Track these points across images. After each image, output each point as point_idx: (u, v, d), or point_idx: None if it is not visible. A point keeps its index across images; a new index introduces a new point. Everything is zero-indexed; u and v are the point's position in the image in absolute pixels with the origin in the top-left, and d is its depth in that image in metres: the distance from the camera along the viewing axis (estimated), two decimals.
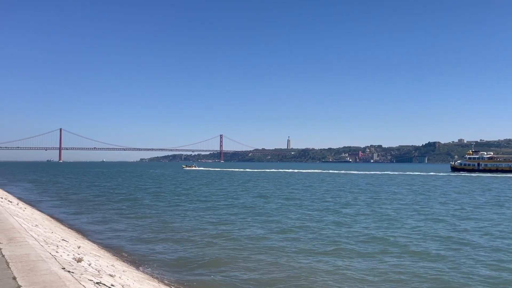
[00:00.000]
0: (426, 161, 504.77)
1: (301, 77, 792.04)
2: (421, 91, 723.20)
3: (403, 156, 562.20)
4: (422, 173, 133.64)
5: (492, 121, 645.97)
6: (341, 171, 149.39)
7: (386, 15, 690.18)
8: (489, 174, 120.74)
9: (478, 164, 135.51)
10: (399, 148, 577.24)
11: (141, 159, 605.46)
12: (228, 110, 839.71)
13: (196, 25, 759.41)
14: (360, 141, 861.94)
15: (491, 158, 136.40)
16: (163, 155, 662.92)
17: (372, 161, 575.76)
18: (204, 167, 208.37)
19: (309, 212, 33.07)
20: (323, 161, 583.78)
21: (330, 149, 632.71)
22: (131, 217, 30.48)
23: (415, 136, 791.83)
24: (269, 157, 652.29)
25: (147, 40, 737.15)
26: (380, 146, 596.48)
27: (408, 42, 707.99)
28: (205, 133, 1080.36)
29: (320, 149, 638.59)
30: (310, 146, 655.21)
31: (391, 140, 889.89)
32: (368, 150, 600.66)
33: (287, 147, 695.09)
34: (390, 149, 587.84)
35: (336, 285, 14.54)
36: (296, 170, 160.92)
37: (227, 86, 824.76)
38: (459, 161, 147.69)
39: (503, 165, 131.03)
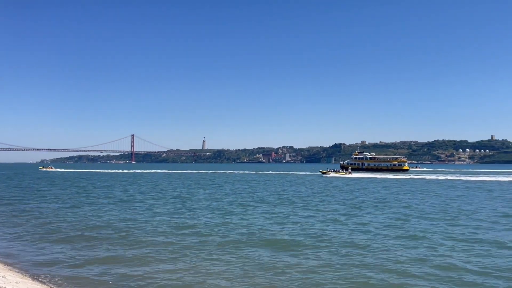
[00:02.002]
0: (333, 161, 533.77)
1: (217, 78, 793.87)
2: (328, 96, 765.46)
3: (313, 156, 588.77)
4: (297, 173, 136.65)
5: (390, 125, 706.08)
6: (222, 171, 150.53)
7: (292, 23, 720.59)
8: (368, 175, 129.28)
9: (362, 164, 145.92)
10: (309, 149, 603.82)
11: (42, 160, 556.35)
12: (140, 109, 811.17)
13: (106, 25, 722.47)
14: (273, 142, 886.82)
15: (373, 158, 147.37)
16: (68, 156, 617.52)
17: (284, 161, 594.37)
18: (66, 169, 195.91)
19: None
20: (238, 162, 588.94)
21: (245, 150, 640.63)
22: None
23: (324, 138, 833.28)
24: (184, 158, 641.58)
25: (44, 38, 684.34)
26: (291, 147, 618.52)
27: (312, 45, 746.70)
28: (115, 133, 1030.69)
29: (235, 150, 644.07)
30: (225, 147, 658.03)
31: (302, 141, 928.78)
32: (281, 151, 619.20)
33: (203, 147, 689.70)
34: (301, 150, 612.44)
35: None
36: (167, 171, 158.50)
37: (139, 84, 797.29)
38: (346, 161, 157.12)
39: (382, 164, 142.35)
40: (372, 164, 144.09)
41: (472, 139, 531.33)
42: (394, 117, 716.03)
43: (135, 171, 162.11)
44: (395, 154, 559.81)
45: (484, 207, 36.44)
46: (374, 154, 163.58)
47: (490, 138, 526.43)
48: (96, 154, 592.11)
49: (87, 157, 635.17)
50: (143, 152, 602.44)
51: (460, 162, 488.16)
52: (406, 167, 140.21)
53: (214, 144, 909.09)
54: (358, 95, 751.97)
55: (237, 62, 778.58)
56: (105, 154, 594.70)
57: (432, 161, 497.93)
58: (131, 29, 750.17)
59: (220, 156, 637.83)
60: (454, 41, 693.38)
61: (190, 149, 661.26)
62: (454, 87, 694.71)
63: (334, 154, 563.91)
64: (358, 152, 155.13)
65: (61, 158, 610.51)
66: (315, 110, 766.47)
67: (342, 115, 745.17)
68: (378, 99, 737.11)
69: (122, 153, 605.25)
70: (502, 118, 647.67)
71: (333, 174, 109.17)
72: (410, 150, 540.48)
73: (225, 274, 15.82)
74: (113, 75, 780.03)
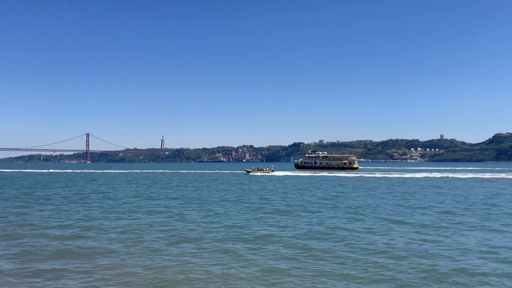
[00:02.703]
0: (292, 160, 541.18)
1: (176, 77, 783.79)
2: (288, 97, 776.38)
3: (273, 155, 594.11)
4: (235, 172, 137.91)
5: (347, 125, 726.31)
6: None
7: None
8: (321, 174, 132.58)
9: (315, 162, 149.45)
10: (269, 148, 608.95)
11: None
12: (96, 107, 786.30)
13: (58, 19, 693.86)
14: (234, 142, 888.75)
15: (325, 157, 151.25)
16: (18, 155, 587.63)
17: (244, 160, 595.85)
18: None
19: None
20: (198, 161, 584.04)
21: (205, 149, 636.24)
22: None
23: (283, 137, 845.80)
24: (142, 157, 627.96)
25: None
26: (251, 146, 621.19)
27: (274, 47, 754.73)
28: (69, 131, 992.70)
29: (195, 149, 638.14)
30: (185, 146, 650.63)
31: (262, 140, 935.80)
32: (241, 150, 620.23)
33: (161, 147, 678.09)
34: (260, 149, 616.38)
35: None
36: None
37: (94, 81, 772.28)
38: (300, 160, 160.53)
39: (334, 163, 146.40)
40: (324, 162, 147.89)
41: (423, 138, 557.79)
42: (351, 117, 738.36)
43: (82, 171, 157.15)
44: (351, 153, 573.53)
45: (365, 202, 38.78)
46: (326, 153, 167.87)
47: (440, 137, 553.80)
48: (49, 153, 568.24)
49: (38, 156, 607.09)
50: (98, 152, 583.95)
51: (412, 161, 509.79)
52: (356, 166, 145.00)
53: (174, 143, 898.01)
54: (316, 95, 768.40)
55: (196, 60, 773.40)
56: (58, 153, 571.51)
57: (386, 160, 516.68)
58: (85, 24, 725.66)
59: (179, 156, 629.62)
60: (405, 44, 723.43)
61: (148, 149, 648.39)
62: (406, 88, 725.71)
63: (293, 153, 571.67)
64: (311, 151, 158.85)
65: (10, 158, 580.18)
66: (275, 110, 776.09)
67: (301, 115, 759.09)
68: (336, 100, 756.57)
69: (76, 153, 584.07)
70: (450, 118, 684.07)
71: (257, 173, 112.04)
72: (366, 149, 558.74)
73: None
74: (67, 71, 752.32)
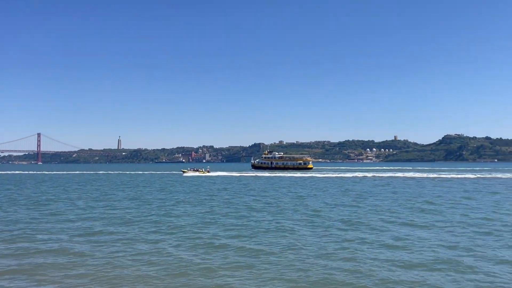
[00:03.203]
0: (252, 160, 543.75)
1: (133, 76, 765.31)
2: (249, 96, 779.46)
3: (233, 156, 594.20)
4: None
5: (306, 125, 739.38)
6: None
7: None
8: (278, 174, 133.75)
9: (271, 163, 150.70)
10: (229, 149, 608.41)
11: None
12: (47, 106, 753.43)
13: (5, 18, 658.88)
14: (194, 142, 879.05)
15: (281, 158, 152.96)
16: None
17: (204, 161, 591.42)
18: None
19: None
20: (156, 162, 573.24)
21: (163, 149, 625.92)
22: None
23: (244, 138, 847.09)
24: (97, 158, 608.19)
25: None
26: (212, 147, 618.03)
27: (228, 46, 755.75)
28: (18, 131, 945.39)
29: (153, 149, 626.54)
30: (142, 147, 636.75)
31: (223, 141, 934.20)
32: (201, 150, 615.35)
33: (118, 147, 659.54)
34: (221, 149, 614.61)
35: None
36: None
37: (46, 80, 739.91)
38: (257, 160, 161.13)
39: (289, 163, 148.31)
40: (280, 163, 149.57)
41: (378, 139, 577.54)
42: (310, 118, 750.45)
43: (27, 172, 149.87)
44: (309, 154, 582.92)
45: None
46: (283, 153, 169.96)
47: (393, 138, 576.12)
48: None
49: None
50: (51, 152, 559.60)
51: (368, 161, 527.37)
52: (310, 166, 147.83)
53: (131, 143, 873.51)
54: (277, 96, 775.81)
55: (153, 60, 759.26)
56: (6, 154, 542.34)
57: (343, 160, 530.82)
58: (31, 22, 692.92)
59: (137, 156, 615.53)
60: (361, 48, 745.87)
61: (104, 149, 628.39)
62: (362, 90, 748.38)
63: (254, 154, 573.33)
64: (267, 152, 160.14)
65: None
66: (236, 110, 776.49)
67: (262, 116, 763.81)
68: (296, 101, 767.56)
69: (27, 153, 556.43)
70: (404, 120, 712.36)
71: (191, 173, 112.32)
72: (324, 150, 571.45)
73: None
74: (15, 68, 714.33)
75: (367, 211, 32.65)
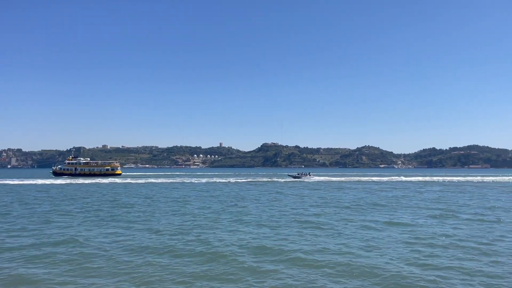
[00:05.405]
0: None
1: None
2: (66, 94, 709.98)
3: (47, 161, 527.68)
4: None
5: (133, 129, 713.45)
6: None
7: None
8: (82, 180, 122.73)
9: (76, 169, 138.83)
10: (42, 153, 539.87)
11: None
12: None
13: None
14: None
15: (87, 163, 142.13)
16: None
17: (9, 166, 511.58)
18: None
19: None
20: None
21: None
22: None
23: (61, 141, 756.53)
24: None
25: None
26: (20, 150, 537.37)
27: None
28: None
29: None
30: None
31: (34, 143, 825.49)
32: (5, 154, 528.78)
33: None
34: (32, 153, 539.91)
35: None
36: None
37: None
38: (59, 166, 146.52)
39: (96, 169, 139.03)
40: (86, 169, 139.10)
41: (205, 145, 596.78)
42: (136, 122, 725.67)
43: None
44: (136, 159, 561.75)
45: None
46: (89, 159, 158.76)
47: (219, 145, 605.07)
48: None
49: None
50: None
51: (195, 166, 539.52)
52: (119, 172, 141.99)
53: None
54: (100, 98, 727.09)
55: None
56: None
57: (171, 166, 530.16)
58: None
59: None
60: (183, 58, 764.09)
61: None
62: (191, 96, 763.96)
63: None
64: (72, 157, 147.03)
65: None
66: (50, 109, 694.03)
67: (83, 118, 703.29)
68: (122, 103, 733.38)
69: None
70: (228, 127, 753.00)
71: None
72: (151, 155, 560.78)
73: None
74: None
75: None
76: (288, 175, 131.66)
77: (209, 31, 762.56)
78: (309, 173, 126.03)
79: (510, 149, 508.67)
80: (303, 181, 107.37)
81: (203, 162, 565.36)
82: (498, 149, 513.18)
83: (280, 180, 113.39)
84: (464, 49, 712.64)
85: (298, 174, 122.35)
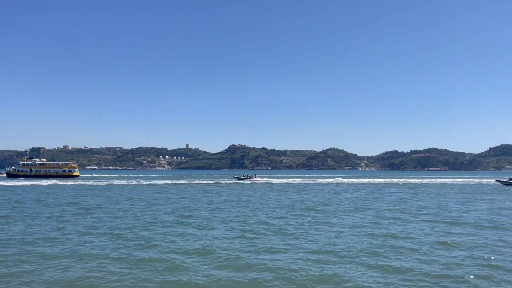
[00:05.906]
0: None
1: None
2: (23, 92, 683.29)
3: (4, 161, 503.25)
4: None
5: (96, 130, 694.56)
6: None
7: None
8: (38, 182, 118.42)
9: (31, 170, 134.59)
10: None
11: None
12: None
13: None
14: None
15: (43, 165, 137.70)
16: None
17: None
18: None
19: None
20: None
21: None
22: None
23: (19, 140, 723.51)
24: None
25: None
26: None
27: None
28: None
29: None
30: None
31: None
32: None
33: None
34: None
35: None
36: None
37: None
38: (13, 167, 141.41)
39: (52, 171, 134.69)
40: (42, 170, 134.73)
41: (171, 147, 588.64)
42: (99, 123, 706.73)
43: None
44: (100, 160, 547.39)
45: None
46: (45, 160, 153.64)
47: (185, 146, 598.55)
48: None
49: None
50: None
51: (161, 168, 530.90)
52: (76, 173, 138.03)
53: None
54: (61, 96, 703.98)
55: None
56: None
57: (135, 167, 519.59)
58: None
59: None
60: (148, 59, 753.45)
61: None
62: (156, 98, 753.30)
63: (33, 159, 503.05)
64: (26, 158, 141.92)
65: None
66: (11, 109, 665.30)
67: (43, 117, 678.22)
68: (83, 103, 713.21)
69: None
70: (195, 129, 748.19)
71: None
72: (115, 156, 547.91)
73: None
74: None
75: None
76: (234, 176, 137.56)
77: (175, 33, 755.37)
78: (254, 175, 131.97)
79: (467, 152, 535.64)
80: (244, 183, 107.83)
81: (169, 164, 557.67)
82: (456, 152, 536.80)
83: (221, 181, 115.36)
84: (420, 57, 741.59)
85: (244, 176, 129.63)
